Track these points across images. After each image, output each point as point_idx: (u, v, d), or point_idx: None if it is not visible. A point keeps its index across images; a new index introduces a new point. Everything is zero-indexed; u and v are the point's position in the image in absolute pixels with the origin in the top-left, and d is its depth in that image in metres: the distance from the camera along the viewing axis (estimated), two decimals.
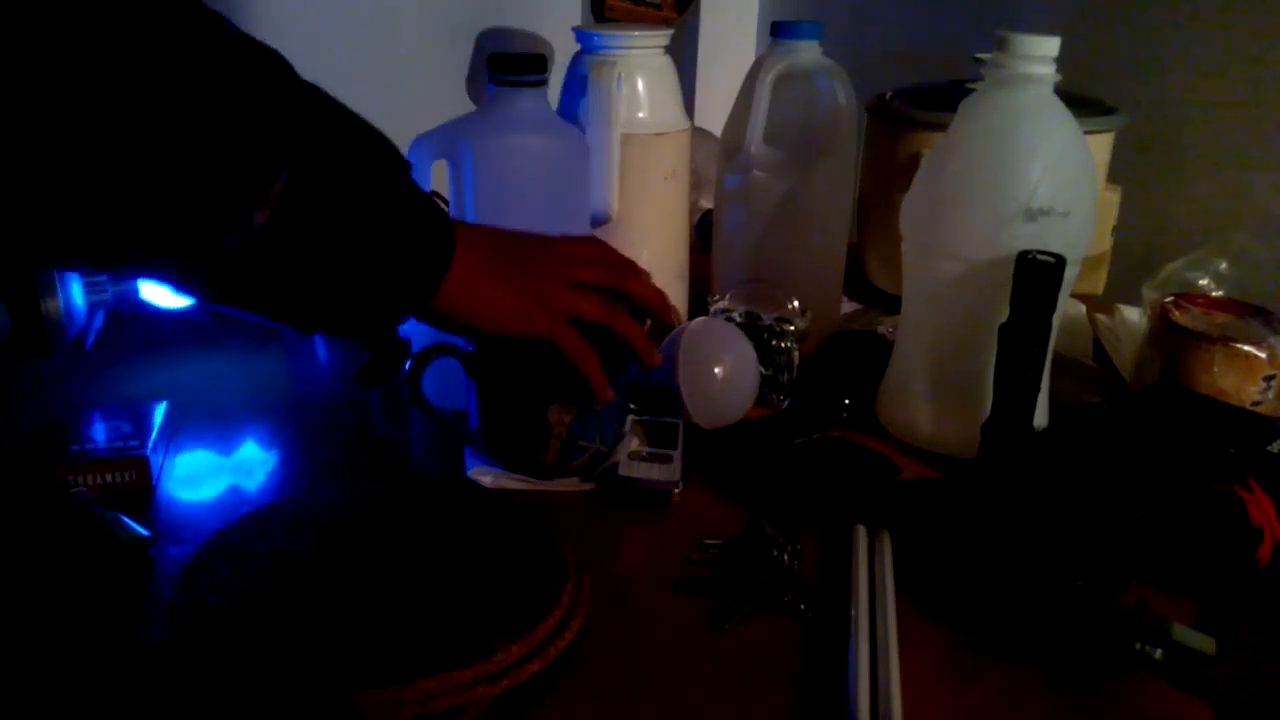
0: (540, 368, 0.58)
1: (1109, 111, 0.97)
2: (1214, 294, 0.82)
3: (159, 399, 0.72)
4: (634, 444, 0.69)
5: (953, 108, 0.71)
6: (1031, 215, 0.65)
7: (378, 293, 0.49)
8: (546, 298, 0.56)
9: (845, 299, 1.01)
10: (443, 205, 0.76)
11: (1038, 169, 0.66)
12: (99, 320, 0.84)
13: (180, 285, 0.46)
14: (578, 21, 1.45)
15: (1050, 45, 0.66)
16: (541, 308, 0.56)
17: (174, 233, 0.42)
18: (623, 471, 0.66)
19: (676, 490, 0.66)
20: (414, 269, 0.51)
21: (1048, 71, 0.66)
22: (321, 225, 0.45)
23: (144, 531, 0.58)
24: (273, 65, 0.46)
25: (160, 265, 0.44)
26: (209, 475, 0.68)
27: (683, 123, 0.89)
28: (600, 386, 0.59)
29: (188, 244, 0.42)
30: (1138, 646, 0.50)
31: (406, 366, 0.64)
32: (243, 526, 0.56)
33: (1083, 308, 0.91)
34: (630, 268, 0.62)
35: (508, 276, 0.55)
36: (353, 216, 0.47)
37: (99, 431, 0.67)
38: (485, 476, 0.67)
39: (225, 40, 0.44)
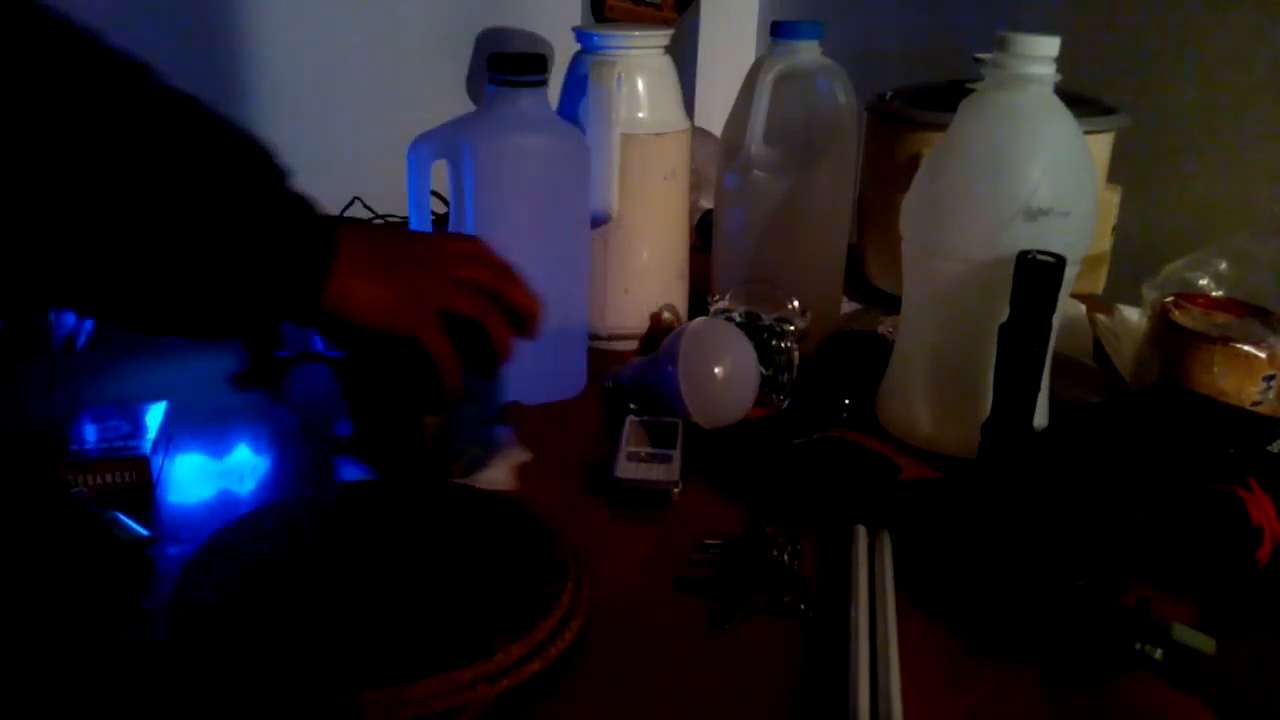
0: (410, 372, 0.58)
1: (1109, 111, 0.97)
2: (1214, 294, 0.82)
3: (158, 399, 0.72)
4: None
5: (953, 108, 0.71)
6: (1031, 215, 0.65)
7: (257, 297, 0.50)
8: (421, 292, 0.56)
9: (845, 299, 1.01)
10: (443, 204, 0.76)
11: (1038, 169, 0.66)
12: (90, 321, 0.84)
13: (54, 300, 0.48)
14: (578, 21, 1.45)
15: (1050, 45, 0.66)
16: (414, 303, 0.56)
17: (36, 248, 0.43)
18: (621, 473, 0.66)
19: (676, 490, 0.66)
20: (295, 271, 0.51)
21: (1048, 71, 0.66)
22: (191, 233, 0.46)
23: (144, 531, 0.58)
24: (136, 76, 0.47)
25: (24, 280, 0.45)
26: (209, 475, 0.68)
27: (683, 123, 0.90)
28: (451, 394, 0.58)
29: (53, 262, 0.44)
30: (1138, 646, 0.50)
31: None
32: (242, 526, 0.56)
33: (1083, 308, 0.91)
34: (511, 272, 0.61)
35: (386, 272, 0.55)
36: (224, 223, 0.48)
37: (98, 432, 0.67)
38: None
39: (91, 55, 0.46)
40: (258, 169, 0.51)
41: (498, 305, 0.59)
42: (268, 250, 0.50)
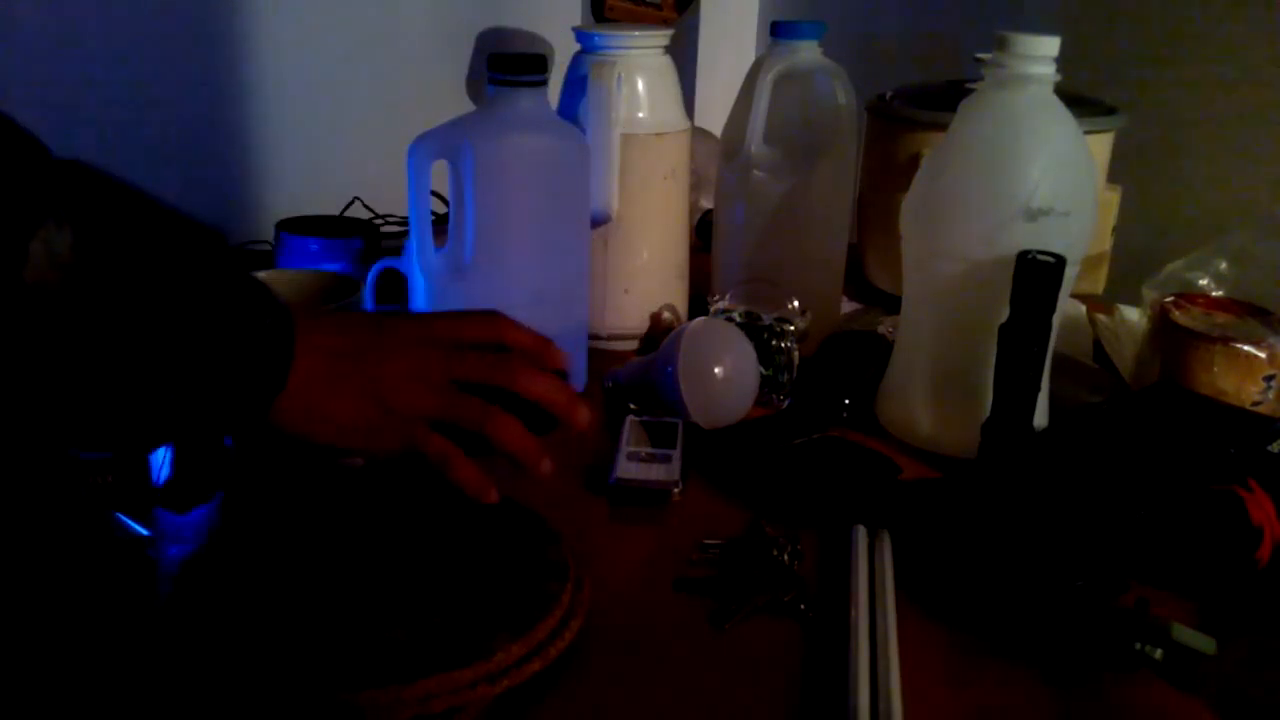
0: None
1: (1109, 111, 0.97)
2: (1214, 294, 0.82)
3: None
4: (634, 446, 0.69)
5: (953, 108, 0.71)
6: (1031, 215, 0.65)
7: (195, 396, 0.42)
8: (399, 405, 0.48)
9: (845, 299, 1.01)
10: (443, 204, 0.76)
11: (1038, 169, 0.66)
12: None
13: None
14: (578, 21, 1.45)
15: (1050, 45, 0.66)
16: (394, 421, 0.48)
17: None
18: (621, 473, 0.66)
19: (676, 490, 0.66)
20: (240, 375, 0.43)
21: (1048, 71, 0.66)
22: (115, 300, 0.39)
23: (144, 531, 0.58)
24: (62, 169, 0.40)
25: None
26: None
27: (683, 123, 0.90)
28: (481, 488, 0.50)
29: None
30: (1138, 646, 0.50)
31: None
32: (242, 526, 0.56)
33: (1083, 308, 0.91)
34: (523, 359, 0.52)
35: (353, 383, 0.47)
36: (157, 298, 0.40)
37: None
38: None
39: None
40: (206, 254, 0.43)
41: (496, 406, 0.50)
42: (205, 336, 0.41)
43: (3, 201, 0.37)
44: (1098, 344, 0.89)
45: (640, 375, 0.77)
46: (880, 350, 0.81)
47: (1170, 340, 0.77)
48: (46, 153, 0.39)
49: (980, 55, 0.69)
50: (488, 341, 0.52)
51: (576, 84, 0.87)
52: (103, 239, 0.39)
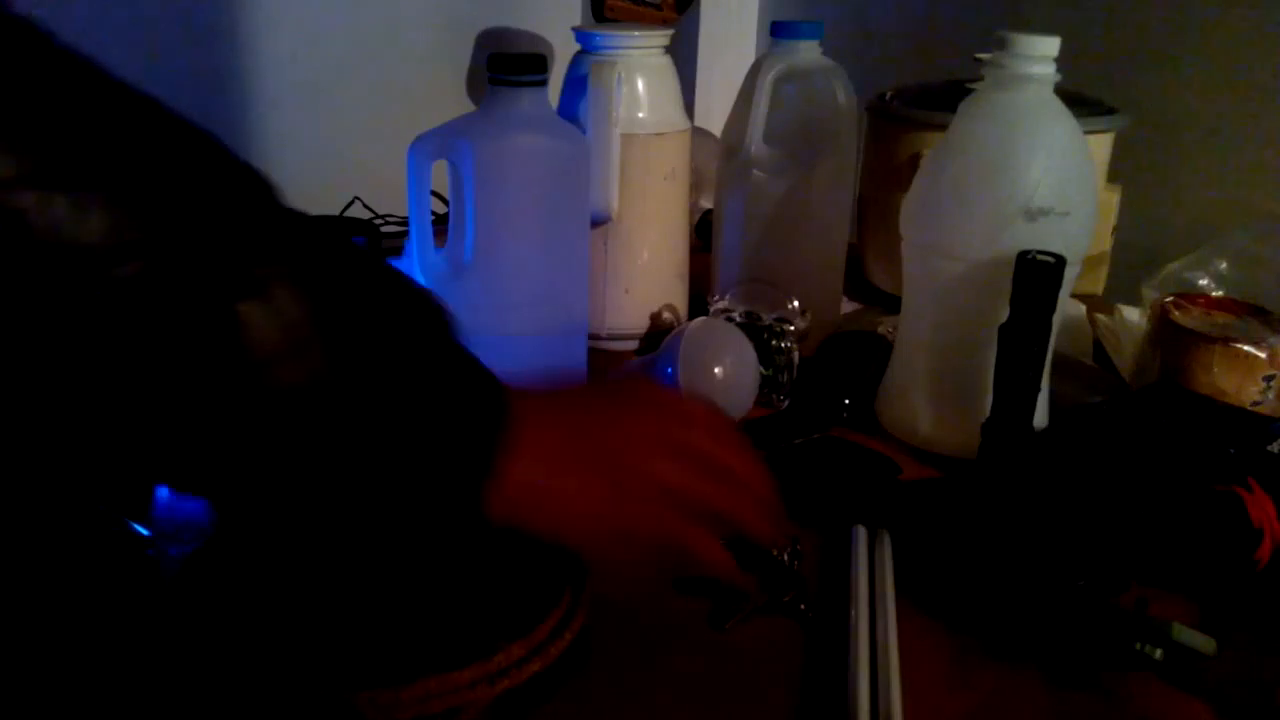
0: None
1: (1109, 111, 0.97)
2: (1214, 294, 0.82)
3: None
4: None
5: (953, 108, 0.71)
6: (1031, 215, 0.65)
7: (400, 482, 0.37)
8: (648, 485, 0.42)
9: (845, 299, 1.01)
10: (443, 204, 0.76)
11: (1038, 169, 0.66)
12: None
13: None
14: (578, 21, 1.45)
15: (1050, 45, 0.66)
16: (647, 501, 0.42)
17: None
18: None
19: None
20: (457, 457, 0.38)
21: (1048, 71, 0.66)
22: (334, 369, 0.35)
23: (144, 531, 0.58)
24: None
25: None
26: None
27: (683, 123, 0.90)
28: (734, 572, 0.47)
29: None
30: (1138, 646, 0.50)
31: None
32: (242, 526, 0.56)
33: (1083, 308, 0.91)
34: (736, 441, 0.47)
35: (596, 463, 0.41)
36: (375, 371, 0.36)
37: None
38: None
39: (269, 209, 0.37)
40: (416, 315, 0.39)
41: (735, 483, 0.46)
42: (419, 416, 0.37)
43: (225, 259, 0.33)
44: (1098, 344, 0.89)
45: (640, 375, 0.77)
46: (880, 350, 0.81)
47: (1170, 340, 0.77)
48: (277, 202, 0.37)
49: (980, 55, 0.69)
50: (724, 464, 0.47)
51: (576, 84, 0.87)
52: (333, 302, 0.35)
